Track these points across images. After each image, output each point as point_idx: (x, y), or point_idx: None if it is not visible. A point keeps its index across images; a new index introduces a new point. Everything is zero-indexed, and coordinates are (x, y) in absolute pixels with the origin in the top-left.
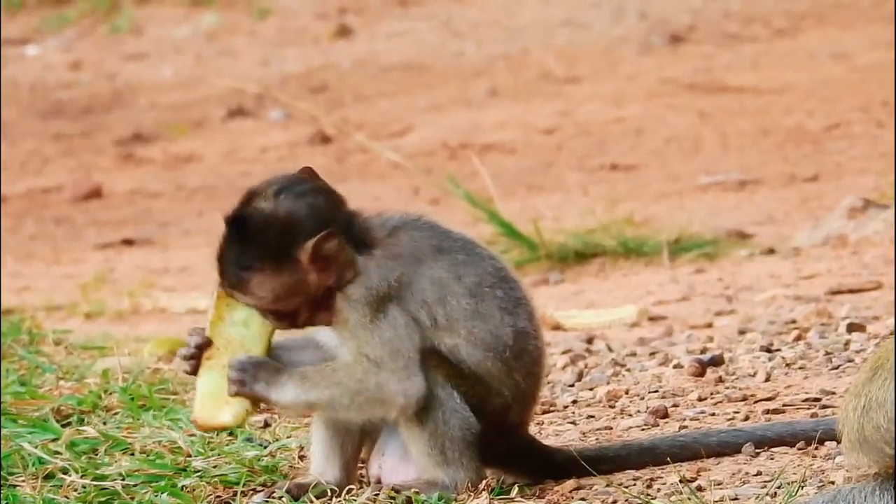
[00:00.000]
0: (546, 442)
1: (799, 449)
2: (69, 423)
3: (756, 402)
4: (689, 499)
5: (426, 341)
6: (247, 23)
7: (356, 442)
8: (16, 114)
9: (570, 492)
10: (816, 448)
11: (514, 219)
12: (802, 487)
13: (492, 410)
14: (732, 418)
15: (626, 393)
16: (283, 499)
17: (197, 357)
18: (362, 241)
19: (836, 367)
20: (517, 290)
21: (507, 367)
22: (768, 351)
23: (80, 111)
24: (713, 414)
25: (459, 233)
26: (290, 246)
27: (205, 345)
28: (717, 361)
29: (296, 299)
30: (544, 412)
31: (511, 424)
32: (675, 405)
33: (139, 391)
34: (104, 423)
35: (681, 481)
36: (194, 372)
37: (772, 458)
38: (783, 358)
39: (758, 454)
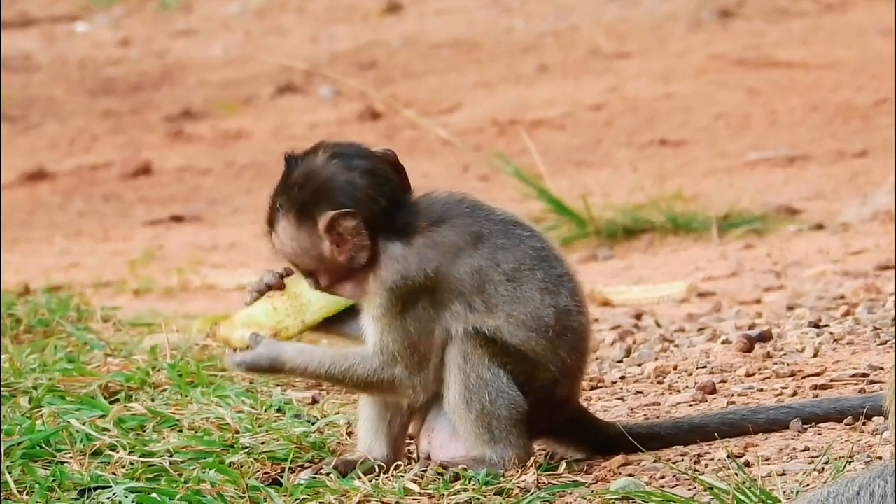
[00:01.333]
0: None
1: (846, 424)
2: (117, 400)
3: (804, 377)
4: (737, 474)
5: (467, 325)
6: (296, 0)
7: (404, 419)
8: (65, 91)
9: (618, 467)
10: (864, 423)
11: (563, 195)
12: (850, 463)
13: (539, 386)
14: (780, 394)
15: (674, 369)
16: (331, 475)
17: (262, 293)
18: (405, 229)
19: (884, 343)
20: (559, 268)
21: (552, 345)
22: (816, 326)
23: (129, 88)
24: (761, 389)
25: (502, 211)
26: (315, 207)
27: (275, 286)
28: (765, 337)
29: (314, 262)
30: (592, 388)
31: (560, 398)
32: (723, 381)
33: (187, 368)
34: (152, 400)
35: (728, 457)
36: (251, 303)
37: (819, 434)
38: (831, 333)
39: (805, 430)
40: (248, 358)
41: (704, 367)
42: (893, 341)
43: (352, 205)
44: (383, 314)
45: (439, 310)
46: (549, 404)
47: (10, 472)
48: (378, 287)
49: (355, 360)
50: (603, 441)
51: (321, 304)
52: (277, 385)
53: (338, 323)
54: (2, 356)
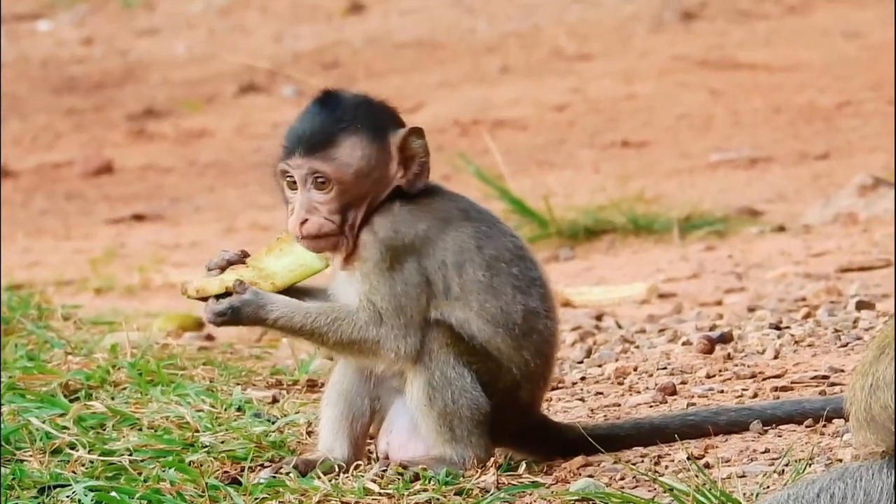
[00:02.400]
0: (555, 419)
1: (807, 426)
2: (77, 399)
3: (765, 379)
4: (697, 476)
5: (437, 312)
6: None
7: (366, 419)
8: (27, 89)
9: (578, 468)
10: (824, 426)
11: (525, 195)
12: (810, 465)
13: (503, 388)
14: (741, 395)
15: (635, 370)
16: (291, 475)
17: (223, 268)
18: (400, 194)
19: (845, 345)
20: (533, 270)
21: (517, 344)
22: (777, 328)
23: (92, 86)
24: (721, 391)
25: (484, 208)
26: (384, 126)
27: (235, 263)
28: (726, 338)
29: (371, 185)
30: (553, 389)
31: (523, 404)
32: (683, 382)
33: (147, 367)
34: (112, 399)
35: (689, 458)
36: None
37: (780, 436)
38: (792, 335)
39: (766, 431)
40: (234, 302)
41: (665, 368)
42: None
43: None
44: (372, 269)
45: (424, 276)
46: (511, 408)
47: None
48: (370, 238)
49: (341, 314)
50: (562, 444)
51: (286, 273)
52: (238, 384)
53: (304, 295)
54: None
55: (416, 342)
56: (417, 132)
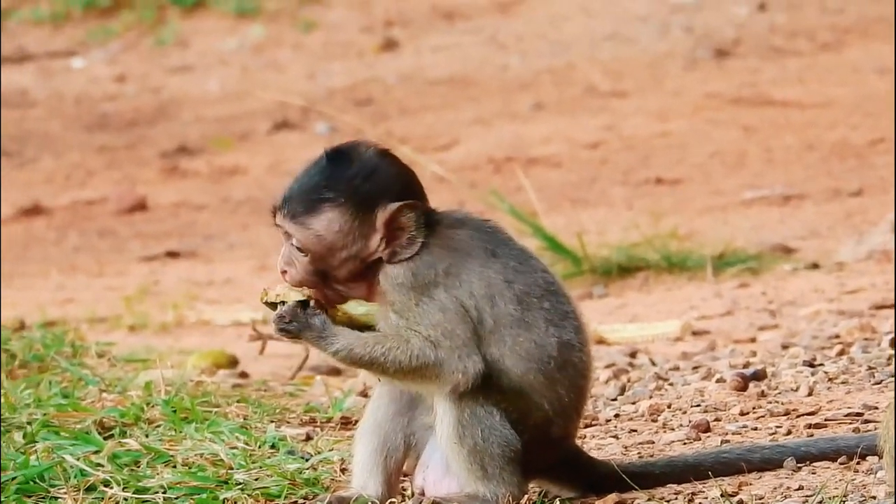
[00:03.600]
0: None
1: (841, 464)
2: (111, 436)
3: (798, 416)
4: None
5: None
6: (292, 36)
7: (400, 456)
8: (61, 126)
9: None
10: (858, 463)
11: (559, 233)
12: (844, 502)
13: (534, 424)
14: (774, 433)
15: (669, 407)
16: None
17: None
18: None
19: (879, 382)
20: (566, 304)
21: (550, 379)
22: (811, 365)
23: (125, 124)
24: (755, 428)
25: (519, 243)
26: (375, 199)
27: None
28: (759, 376)
29: (348, 258)
30: (587, 426)
31: (555, 438)
32: (717, 419)
33: (182, 404)
34: (146, 436)
35: (722, 495)
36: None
37: (813, 473)
38: (826, 373)
39: (799, 469)
40: (303, 319)
41: (699, 405)
42: (893, 379)
43: (412, 198)
44: (402, 310)
45: (459, 303)
46: (543, 443)
47: None
48: (388, 284)
49: (395, 342)
50: (597, 480)
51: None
52: (272, 421)
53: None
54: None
55: (479, 360)
56: (410, 207)
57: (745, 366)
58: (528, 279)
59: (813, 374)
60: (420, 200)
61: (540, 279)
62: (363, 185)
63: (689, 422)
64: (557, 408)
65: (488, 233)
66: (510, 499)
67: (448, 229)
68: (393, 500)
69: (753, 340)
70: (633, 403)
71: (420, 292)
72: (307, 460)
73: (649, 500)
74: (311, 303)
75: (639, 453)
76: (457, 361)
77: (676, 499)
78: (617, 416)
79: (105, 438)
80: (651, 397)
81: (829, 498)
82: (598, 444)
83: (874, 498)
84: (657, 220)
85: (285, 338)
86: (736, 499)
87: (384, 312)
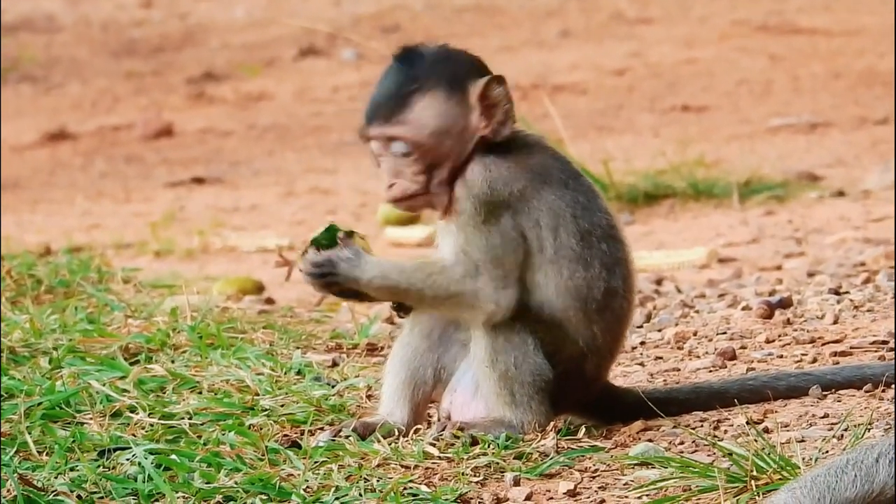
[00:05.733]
0: (614, 383)
1: (866, 391)
2: (137, 362)
3: (824, 344)
4: (756, 440)
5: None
6: None
7: (428, 388)
8: (88, 52)
9: (638, 433)
10: (883, 391)
11: (585, 160)
12: (869, 430)
13: (567, 358)
14: (800, 360)
15: (695, 334)
16: (350, 438)
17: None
18: (498, 147)
19: None
20: (620, 251)
21: (588, 319)
22: (837, 293)
23: (152, 50)
24: (781, 356)
25: (587, 179)
26: (463, 78)
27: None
28: (785, 303)
29: (452, 141)
30: None
31: (588, 375)
32: (742, 347)
33: (207, 330)
34: (172, 362)
35: (748, 423)
36: None
37: (839, 401)
38: (851, 300)
39: (825, 396)
40: (333, 256)
41: (724, 333)
42: None
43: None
44: (466, 222)
45: (520, 232)
46: (576, 379)
47: (29, 433)
48: (464, 192)
49: (436, 268)
50: (623, 409)
51: None
52: (297, 347)
53: None
54: (21, 317)
55: (514, 294)
56: (498, 80)
57: (771, 293)
58: (594, 218)
59: (839, 302)
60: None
61: (603, 220)
62: (445, 69)
63: (715, 349)
64: (592, 346)
65: (563, 162)
66: (535, 426)
67: (526, 148)
68: (419, 426)
69: (779, 268)
70: (659, 331)
71: (490, 209)
72: (333, 387)
73: (674, 426)
74: (340, 236)
75: (664, 380)
76: (492, 293)
77: (702, 426)
78: (643, 343)
79: (131, 364)
80: (677, 325)
81: (855, 426)
82: (623, 371)
83: None
84: (684, 148)
85: (319, 281)
86: (761, 426)
87: (449, 224)
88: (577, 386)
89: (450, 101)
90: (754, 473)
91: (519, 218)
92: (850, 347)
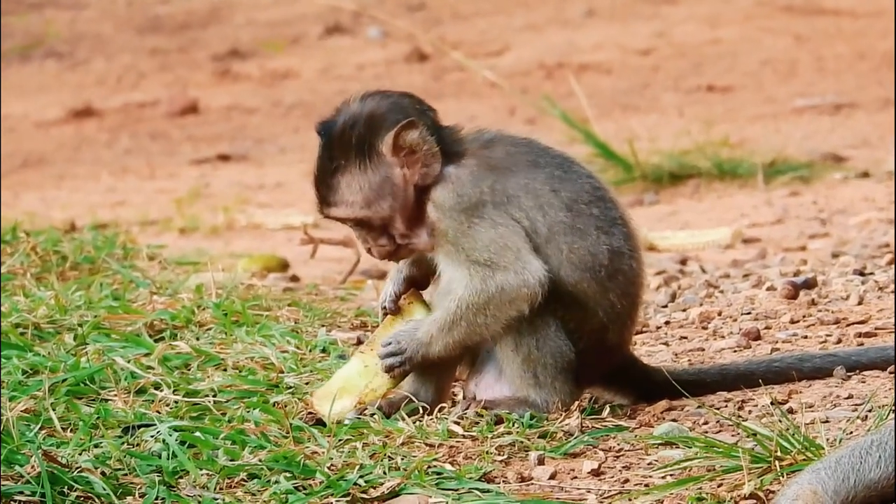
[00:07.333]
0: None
1: (890, 372)
2: (162, 338)
3: (848, 325)
4: (781, 421)
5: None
6: None
7: (452, 368)
8: (113, 28)
9: (662, 412)
10: None
11: (610, 139)
12: (893, 411)
13: (590, 332)
14: (825, 341)
15: (719, 314)
16: (375, 416)
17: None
18: (453, 151)
19: None
20: (614, 210)
21: (603, 287)
22: (861, 274)
23: (177, 26)
24: (805, 336)
25: (559, 150)
26: (374, 140)
27: (393, 312)
28: (810, 284)
29: (388, 202)
30: (638, 333)
31: (611, 345)
32: (767, 327)
33: (232, 307)
34: (197, 339)
35: (772, 403)
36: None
37: (863, 382)
38: (876, 281)
39: (849, 377)
40: (398, 355)
41: (749, 313)
42: None
43: (406, 118)
44: (455, 236)
45: (510, 216)
46: (599, 351)
47: (54, 409)
48: (438, 214)
49: (459, 295)
50: (649, 387)
51: None
52: (322, 325)
53: None
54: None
55: (537, 264)
56: (407, 126)
57: (796, 274)
58: (575, 186)
59: (863, 283)
60: (423, 118)
61: (586, 185)
62: (354, 135)
63: (740, 329)
64: (612, 315)
65: (525, 145)
66: (559, 405)
67: (482, 149)
68: (443, 405)
69: (804, 248)
70: (684, 311)
71: (470, 213)
72: None
73: (699, 406)
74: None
75: (689, 360)
76: (515, 277)
77: (726, 406)
78: (667, 322)
79: (155, 341)
80: (701, 304)
81: (879, 407)
82: (648, 350)
83: None
84: (708, 128)
85: (396, 373)
86: (786, 406)
87: (441, 249)
88: (601, 357)
89: (366, 171)
90: (778, 454)
91: (503, 207)
92: (875, 328)
